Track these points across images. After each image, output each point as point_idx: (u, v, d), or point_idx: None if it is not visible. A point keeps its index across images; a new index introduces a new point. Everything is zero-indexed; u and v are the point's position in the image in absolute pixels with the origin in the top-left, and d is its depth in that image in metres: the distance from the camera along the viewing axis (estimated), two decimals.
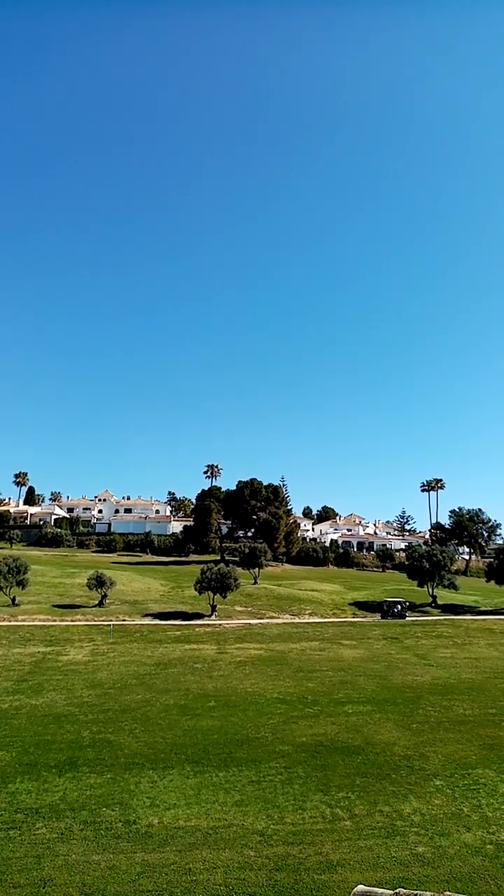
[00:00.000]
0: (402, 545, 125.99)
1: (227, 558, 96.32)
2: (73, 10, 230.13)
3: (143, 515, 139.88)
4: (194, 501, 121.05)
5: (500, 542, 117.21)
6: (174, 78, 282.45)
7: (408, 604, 62.28)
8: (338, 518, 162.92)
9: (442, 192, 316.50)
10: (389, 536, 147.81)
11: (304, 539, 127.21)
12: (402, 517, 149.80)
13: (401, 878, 14.41)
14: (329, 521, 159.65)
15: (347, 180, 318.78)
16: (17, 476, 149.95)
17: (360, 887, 12.92)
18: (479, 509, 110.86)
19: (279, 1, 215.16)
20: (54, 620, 53.63)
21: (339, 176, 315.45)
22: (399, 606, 60.07)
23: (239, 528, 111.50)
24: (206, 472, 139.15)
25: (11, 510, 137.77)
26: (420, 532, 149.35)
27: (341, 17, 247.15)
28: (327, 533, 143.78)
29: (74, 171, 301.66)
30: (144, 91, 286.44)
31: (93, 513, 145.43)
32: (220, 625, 54.57)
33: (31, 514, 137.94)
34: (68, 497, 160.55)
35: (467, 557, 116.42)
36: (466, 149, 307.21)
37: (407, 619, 58.69)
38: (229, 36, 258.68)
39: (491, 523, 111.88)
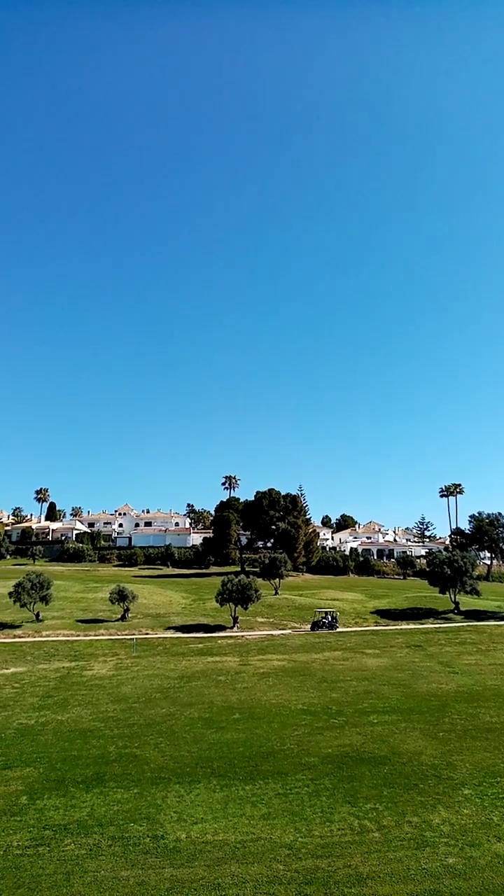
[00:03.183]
0: (423, 552, 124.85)
1: (247, 569, 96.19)
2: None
3: (163, 528, 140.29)
4: (213, 513, 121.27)
5: None
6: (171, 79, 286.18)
7: (336, 613, 63.18)
8: (357, 526, 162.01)
9: (448, 194, 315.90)
10: (409, 543, 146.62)
11: (323, 548, 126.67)
12: (422, 523, 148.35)
13: (432, 891, 14.25)
14: (348, 530, 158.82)
15: (353, 185, 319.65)
16: (38, 492, 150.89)
17: None
18: (500, 513, 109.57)
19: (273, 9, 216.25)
20: (78, 635, 53.95)
21: (344, 182, 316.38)
22: (329, 617, 60.81)
23: (258, 538, 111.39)
24: (224, 484, 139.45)
25: (33, 526, 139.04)
26: (440, 538, 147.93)
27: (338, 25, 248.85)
28: (347, 541, 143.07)
29: (77, 191, 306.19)
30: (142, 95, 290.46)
31: (113, 527, 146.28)
32: (242, 636, 54.47)
33: (53, 530, 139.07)
34: (89, 512, 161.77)
35: (489, 562, 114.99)
36: (468, 152, 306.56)
37: (337, 629, 58.84)
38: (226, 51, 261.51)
39: None
